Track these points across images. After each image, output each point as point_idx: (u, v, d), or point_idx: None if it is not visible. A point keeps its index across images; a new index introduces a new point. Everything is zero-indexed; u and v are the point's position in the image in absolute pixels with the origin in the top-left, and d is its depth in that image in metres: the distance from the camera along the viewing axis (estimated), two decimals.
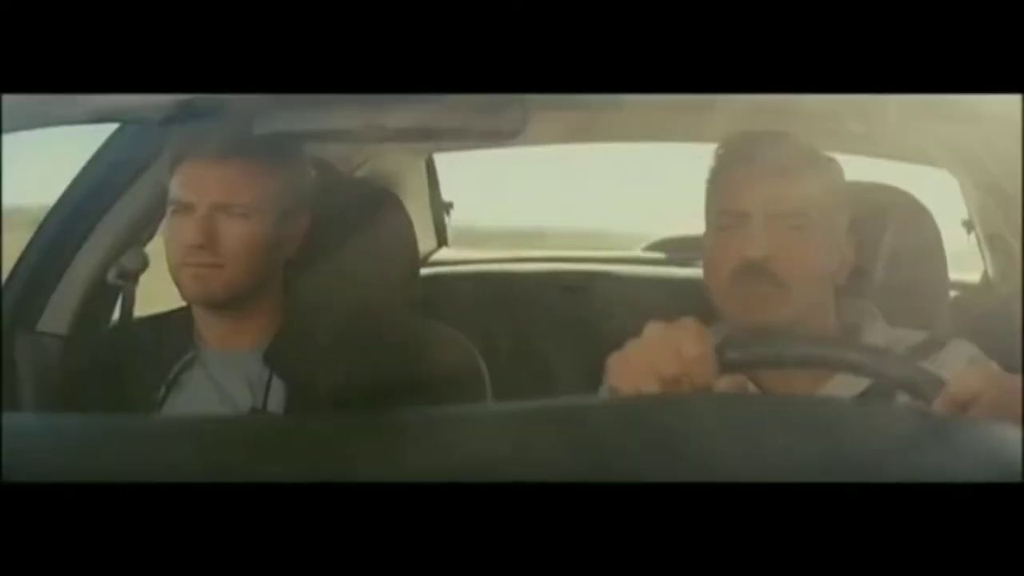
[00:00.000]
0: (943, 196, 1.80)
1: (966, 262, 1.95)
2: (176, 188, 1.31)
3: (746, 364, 0.98)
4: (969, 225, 1.94)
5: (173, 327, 1.39)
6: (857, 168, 1.29)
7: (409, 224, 1.59)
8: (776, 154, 1.21)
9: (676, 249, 2.28)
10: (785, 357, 1.00)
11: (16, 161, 1.31)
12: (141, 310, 1.64)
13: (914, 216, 1.40)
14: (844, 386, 1.15)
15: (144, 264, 1.64)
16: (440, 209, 2.43)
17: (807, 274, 1.19)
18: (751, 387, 1.17)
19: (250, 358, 1.33)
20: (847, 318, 1.26)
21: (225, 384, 1.33)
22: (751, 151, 1.22)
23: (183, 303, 1.39)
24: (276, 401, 1.30)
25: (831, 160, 1.26)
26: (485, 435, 0.64)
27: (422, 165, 2.35)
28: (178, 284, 1.32)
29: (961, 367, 1.12)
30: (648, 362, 0.94)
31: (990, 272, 1.92)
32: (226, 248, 1.30)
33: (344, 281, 1.38)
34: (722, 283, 1.20)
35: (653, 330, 0.97)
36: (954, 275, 1.46)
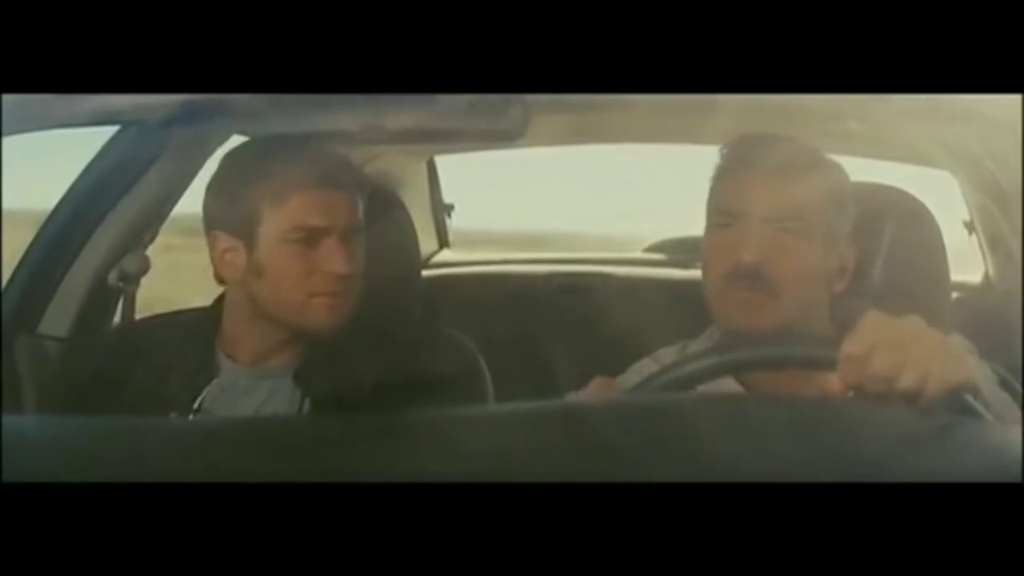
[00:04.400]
0: (943, 196, 1.80)
1: (967, 262, 1.95)
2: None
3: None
4: (970, 226, 1.94)
5: (193, 333, 1.37)
6: (857, 168, 1.28)
7: (411, 226, 1.59)
8: (778, 157, 1.20)
9: (676, 250, 2.28)
10: (680, 381, 0.99)
11: (17, 163, 1.30)
12: (141, 313, 1.64)
13: (915, 216, 1.39)
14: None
15: (145, 267, 1.64)
16: (441, 211, 2.43)
17: (801, 279, 1.18)
18: None
19: (278, 379, 1.32)
20: (841, 318, 1.25)
21: (252, 407, 1.31)
22: (754, 153, 1.21)
23: (183, 305, 1.39)
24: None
25: (835, 164, 1.25)
26: (487, 436, 0.64)
27: (423, 167, 2.35)
28: (303, 311, 1.28)
29: None
30: None
31: (991, 272, 1.92)
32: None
33: None
34: (715, 285, 1.20)
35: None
36: (955, 276, 1.45)
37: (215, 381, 1.32)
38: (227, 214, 1.28)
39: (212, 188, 1.32)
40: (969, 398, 0.86)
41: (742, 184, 1.20)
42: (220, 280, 1.33)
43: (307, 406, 1.30)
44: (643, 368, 1.24)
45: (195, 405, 1.30)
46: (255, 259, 1.27)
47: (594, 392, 1.03)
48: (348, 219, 1.28)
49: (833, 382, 0.90)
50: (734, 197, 1.21)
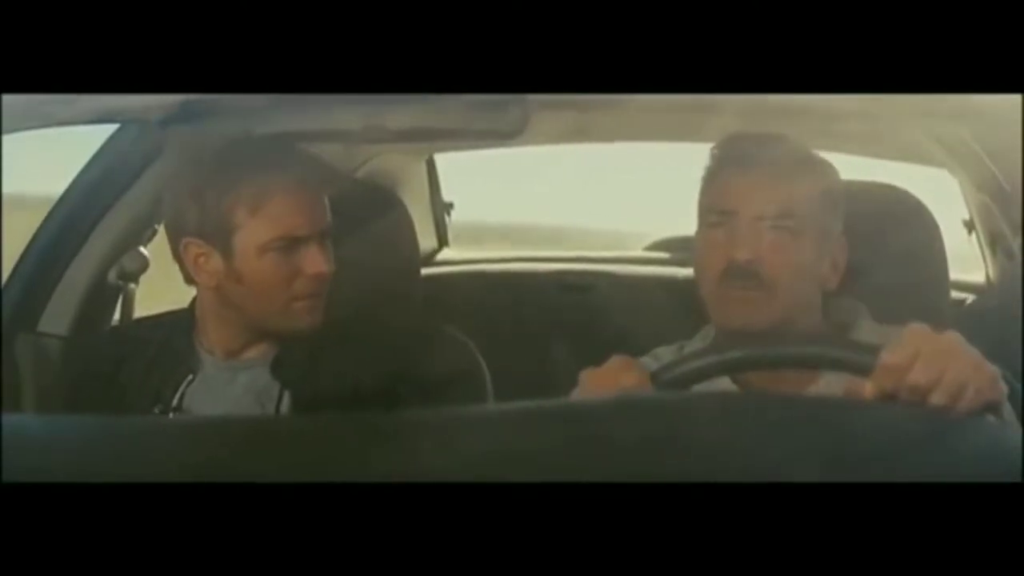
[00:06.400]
0: (943, 196, 1.80)
1: (967, 262, 1.95)
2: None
3: (677, 382, 1.00)
4: (970, 225, 1.94)
5: (173, 331, 1.37)
6: (857, 167, 1.28)
7: (410, 224, 1.59)
8: (769, 156, 1.21)
9: (677, 249, 2.27)
10: (711, 369, 1.01)
11: (17, 155, 1.30)
12: (141, 311, 1.64)
13: (914, 215, 1.39)
14: (832, 386, 1.15)
15: (144, 265, 1.64)
16: (441, 209, 2.43)
17: (794, 277, 1.19)
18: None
19: (256, 369, 1.32)
20: (835, 317, 1.25)
21: (233, 398, 1.31)
22: (745, 152, 1.22)
23: (179, 305, 1.39)
24: (285, 410, 1.29)
25: (826, 163, 1.25)
26: (486, 435, 0.64)
27: (423, 165, 2.35)
28: (290, 315, 1.28)
29: None
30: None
31: (991, 272, 1.92)
32: None
33: (345, 282, 1.38)
34: (710, 283, 1.21)
35: (589, 375, 1.03)
36: (954, 275, 1.45)
37: (191, 376, 1.31)
38: (198, 220, 1.26)
39: (176, 193, 1.29)
40: (991, 419, 0.86)
41: (733, 183, 1.21)
42: (190, 281, 1.32)
43: (285, 397, 1.30)
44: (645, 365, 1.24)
45: (174, 401, 1.30)
46: (233, 266, 1.26)
47: (613, 369, 1.03)
48: (323, 220, 1.28)
49: (866, 388, 0.90)
50: (726, 196, 1.21)
